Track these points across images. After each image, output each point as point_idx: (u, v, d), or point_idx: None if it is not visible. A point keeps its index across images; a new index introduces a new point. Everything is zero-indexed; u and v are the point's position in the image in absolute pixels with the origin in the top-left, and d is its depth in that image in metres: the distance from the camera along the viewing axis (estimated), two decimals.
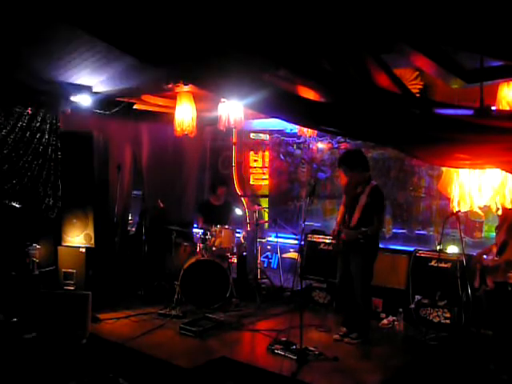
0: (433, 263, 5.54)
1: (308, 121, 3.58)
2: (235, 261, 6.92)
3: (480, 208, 3.13)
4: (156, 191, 7.60)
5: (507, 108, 4.16)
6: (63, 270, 6.23)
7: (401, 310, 5.56)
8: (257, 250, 7.10)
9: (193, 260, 6.26)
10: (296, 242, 7.45)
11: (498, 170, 3.01)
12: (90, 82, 5.54)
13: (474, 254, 4.88)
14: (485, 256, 4.61)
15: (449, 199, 3.25)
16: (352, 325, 5.14)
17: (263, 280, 7.06)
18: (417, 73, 5.16)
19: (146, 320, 5.78)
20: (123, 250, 6.95)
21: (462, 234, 5.10)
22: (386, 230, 6.89)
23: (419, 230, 6.76)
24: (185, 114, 6.07)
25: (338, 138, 7.38)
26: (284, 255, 7.56)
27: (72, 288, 6.11)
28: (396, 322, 5.56)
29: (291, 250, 7.62)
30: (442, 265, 5.42)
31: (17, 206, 6.46)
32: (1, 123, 6.40)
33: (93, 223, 6.22)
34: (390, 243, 6.74)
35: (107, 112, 6.80)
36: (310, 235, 6.77)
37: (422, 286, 5.58)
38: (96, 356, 4.80)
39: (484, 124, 2.66)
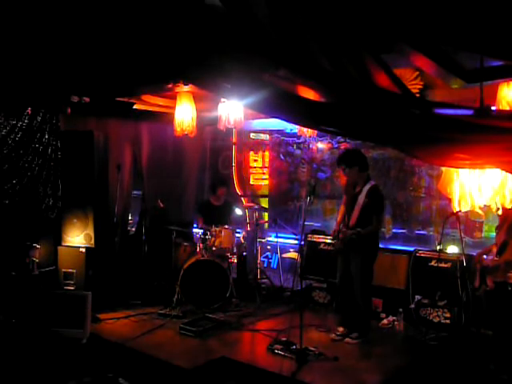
0: (433, 263, 5.54)
1: (308, 121, 3.58)
2: (235, 261, 6.92)
3: (480, 208, 3.13)
4: (156, 191, 7.59)
5: (507, 108, 4.16)
6: (63, 269, 6.23)
7: (401, 310, 5.56)
8: (257, 250, 7.10)
9: (193, 260, 6.26)
10: (296, 241, 7.45)
11: (498, 170, 3.01)
12: None
13: (474, 254, 4.87)
14: (485, 256, 4.61)
15: (449, 199, 3.25)
16: (352, 325, 5.15)
17: (263, 280, 7.06)
18: (417, 73, 5.16)
19: (145, 320, 5.79)
20: (123, 250, 6.95)
21: (462, 234, 5.10)
22: (386, 230, 6.89)
23: (419, 230, 6.75)
24: (185, 114, 6.07)
25: (338, 138, 7.38)
26: (284, 255, 7.56)
27: (72, 288, 6.11)
28: (396, 322, 5.56)
29: (291, 249, 7.62)
30: (442, 265, 5.42)
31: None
32: (1, 123, 6.41)
33: (93, 223, 6.21)
34: (390, 243, 6.73)
35: (107, 112, 6.80)
36: (309, 235, 6.77)
37: (421, 286, 5.58)
38: (96, 356, 4.80)
39: (484, 124, 2.66)
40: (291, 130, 7.83)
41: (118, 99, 6.71)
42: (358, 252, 4.99)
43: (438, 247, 5.47)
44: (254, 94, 2.77)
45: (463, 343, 4.96)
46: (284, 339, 4.86)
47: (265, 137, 8.50)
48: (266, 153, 8.51)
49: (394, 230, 6.95)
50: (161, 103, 6.93)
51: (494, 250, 4.51)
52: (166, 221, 6.96)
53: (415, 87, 5.20)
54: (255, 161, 8.59)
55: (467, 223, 6.17)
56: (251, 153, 8.59)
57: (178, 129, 6.10)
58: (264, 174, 8.56)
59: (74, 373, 4.31)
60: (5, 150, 6.46)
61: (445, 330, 5.29)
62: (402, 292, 5.76)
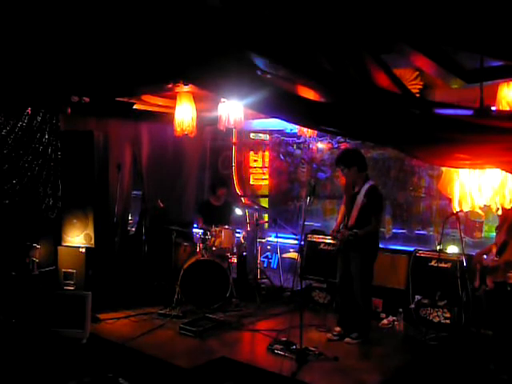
0: (433, 263, 5.54)
1: (308, 121, 3.57)
2: (235, 261, 6.92)
3: (480, 208, 3.13)
4: (156, 191, 7.60)
5: (507, 108, 4.15)
6: (63, 269, 6.23)
7: (401, 310, 5.56)
8: (257, 250, 7.10)
9: (193, 260, 6.26)
10: (296, 241, 7.45)
11: (498, 170, 3.01)
12: None
13: (474, 254, 4.88)
14: (485, 256, 4.61)
15: (449, 199, 3.25)
16: (351, 325, 5.15)
17: (263, 280, 7.06)
18: (417, 73, 5.15)
19: (146, 320, 5.79)
20: (123, 250, 6.95)
21: (462, 234, 5.11)
22: (386, 230, 6.89)
23: (419, 230, 6.75)
24: (185, 113, 6.07)
25: (338, 137, 7.37)
26: (284, 255, 7.56)
27: (72, 288, 6.11)
28: (396, 322, 5.56)
29: (291, 249, 7.62)
30: (442, 265, 5.42)
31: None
32: (1, 123, 6.41)
33: (93, 223, 6.21)
34: (390, 243, 6.74)
35: (107, 112, 6.80)
36: (309, 235, 6.77)
37: (421, 286, 5.58)
38: (96, 356, 4.81)
39: (484, 124, 2.66)
40: (291, 130, 7.82)
41: (118, 99, 6.71)
42: (358, 252, 4.99)
43: (438, 247, 5.47)
44: (253, 94, 2.77)
45: (463, 343, 4.96)
46: (284, 339, 4.86)
47: (265, 137, 8.50)
48: (266, 153, 8.51)
49: (393, 230, 6.95)
50: (161, 103, 6.93)
51: (494, 250, 4.51)
52: (166, 221, 6.96)
53: (415, 87, 5.20)
54: (255, 161, 8.60)
55: (467, 223, 6.18)
56: (251, 153, 8.59)
57: (178, 129, 6.10)
58: (264, 174, 8.57)
59: (74, 373, 4.31)
60: (5, 150, 6.46)
61: (445, 329, 5.28)
62: (402, 292, 5.76)
